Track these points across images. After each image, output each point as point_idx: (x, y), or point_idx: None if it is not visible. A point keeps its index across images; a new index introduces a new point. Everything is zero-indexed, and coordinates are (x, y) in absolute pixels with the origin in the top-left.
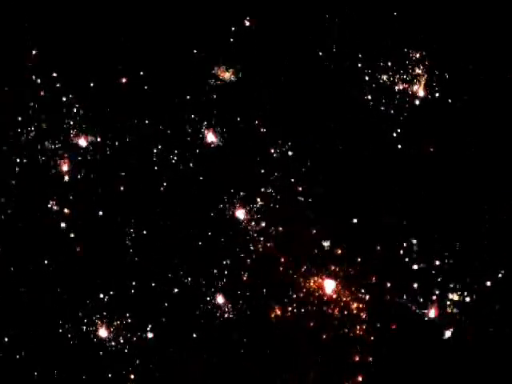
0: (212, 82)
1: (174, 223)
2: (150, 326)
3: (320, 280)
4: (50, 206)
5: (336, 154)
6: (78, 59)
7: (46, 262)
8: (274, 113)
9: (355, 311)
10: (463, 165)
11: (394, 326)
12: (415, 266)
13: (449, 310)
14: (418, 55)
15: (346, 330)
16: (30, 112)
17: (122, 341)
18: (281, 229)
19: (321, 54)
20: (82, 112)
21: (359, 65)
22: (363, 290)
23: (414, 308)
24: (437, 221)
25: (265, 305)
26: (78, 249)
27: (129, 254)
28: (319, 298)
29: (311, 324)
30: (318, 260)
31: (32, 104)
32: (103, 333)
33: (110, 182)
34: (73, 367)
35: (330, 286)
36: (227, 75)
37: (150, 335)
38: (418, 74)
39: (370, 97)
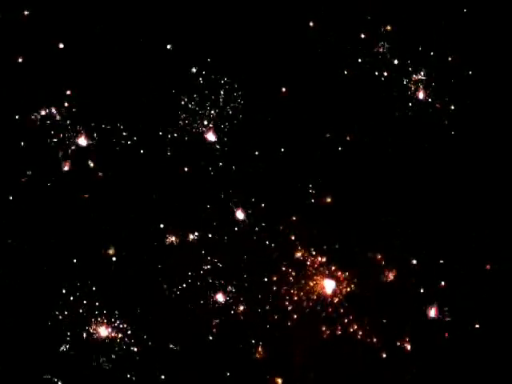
0: (211, 81)
1: (173, 222)
2: (148, 326)
3: (321, 280)
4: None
5: (336, 153)
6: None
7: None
8: (275, 112)
9: (356, 312)
10: (464, 166)
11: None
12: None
13: (449, 310)
14: (420, 56)
15: (346, 331)
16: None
17: (121, 341)
18: (281, 228)
19: (321, 53)
20: (81, 111)
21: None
22: (363, 291)
23: None
24: (437, 220)
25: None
26: (75, 245)
27: (127, 254)
28: (320, 297)
29: (312, 324)
30: (319, 260)
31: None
32: (103, 332)
33: (107, 183)
34: (72, 366)
35: (330, 286)
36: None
37: (148, 335)
38: (421, 74)
39: (370, 97)
